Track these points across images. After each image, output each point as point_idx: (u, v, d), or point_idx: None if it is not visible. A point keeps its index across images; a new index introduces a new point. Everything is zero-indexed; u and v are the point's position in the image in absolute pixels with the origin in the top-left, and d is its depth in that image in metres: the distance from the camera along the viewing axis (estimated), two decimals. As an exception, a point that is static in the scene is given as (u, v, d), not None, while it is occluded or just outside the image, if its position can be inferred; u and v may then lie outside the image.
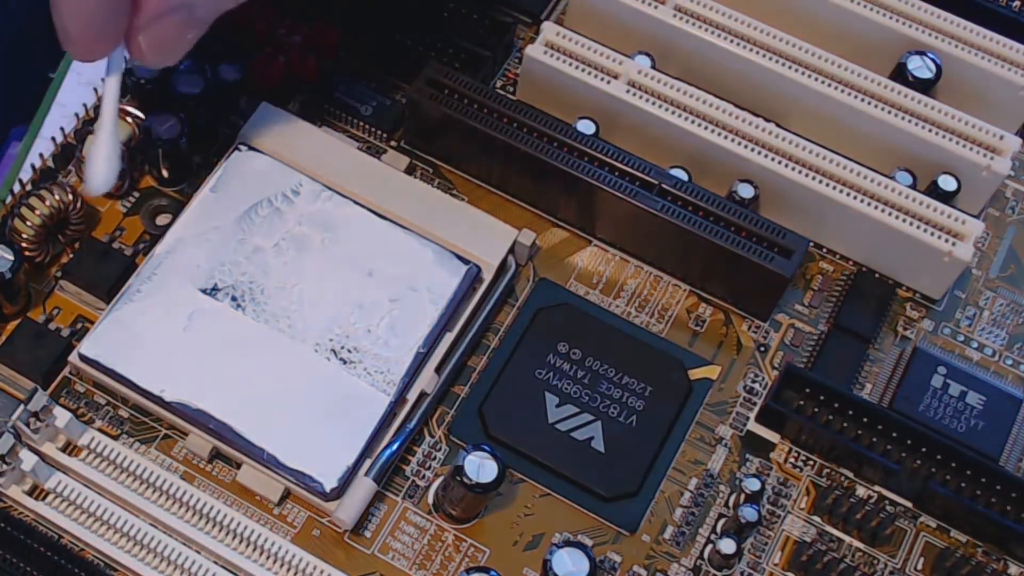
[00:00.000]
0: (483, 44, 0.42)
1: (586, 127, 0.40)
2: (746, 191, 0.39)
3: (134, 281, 0.36)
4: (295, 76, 0.41)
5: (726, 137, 0.39)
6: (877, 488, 0.37)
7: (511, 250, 0.38)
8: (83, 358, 0.35)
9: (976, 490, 0.36)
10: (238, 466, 0.35)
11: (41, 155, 0.40)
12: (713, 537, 0.36)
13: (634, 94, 0.39)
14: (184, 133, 0.38)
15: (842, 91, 0.40)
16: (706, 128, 0.39)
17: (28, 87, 0.46)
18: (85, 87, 0.44)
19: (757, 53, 0.40)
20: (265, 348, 0.35)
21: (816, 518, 0.37)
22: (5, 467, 0.33)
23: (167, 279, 0.36)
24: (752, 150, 0.39)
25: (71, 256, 0.38)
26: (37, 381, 0.36)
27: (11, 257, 0.36)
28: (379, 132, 0.41)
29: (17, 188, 0.39)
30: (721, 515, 0.36)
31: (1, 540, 0.33)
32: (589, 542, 0.35)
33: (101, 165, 0.33)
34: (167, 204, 0.40)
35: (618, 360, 0.38)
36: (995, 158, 0.39)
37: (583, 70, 0.40)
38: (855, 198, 0.38)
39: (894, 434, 0.36)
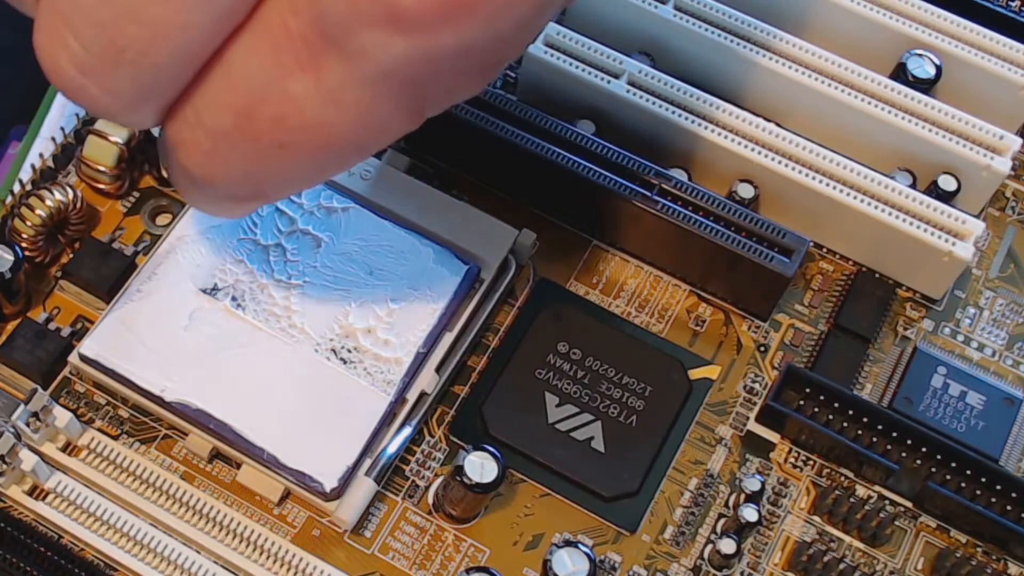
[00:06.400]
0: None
1: (586, 127, 0.40)
2: (746, 191, 0.39)
3: (134, 281, 0.36)
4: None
5: (726, 137, 0.39)
6: (877, 488, 0.37)
7: (511, 250, 0.38)
8: (83, 358, 0.35)
9: (976, 490, 0.36)
10: (238, 466, 0.35)
11: (41, 155, 0.39)
12: (713, 537, 0.36)
13: (634, 94, 0.39)
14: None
15: (842, 91, 0.40)
16: (706, 128, 0.39)
17: (28, 87, 0.46)
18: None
19: (757, 53, 0.40)
20: (265, 348, 0.35)
21: (816, 518, 0.37)
22: (5, 467, 0.33)
23: (167, 279, 0.36)
24: (752, 150, 0.39)
25: (71, 256, 0.38)
26: (37, 381, 0.36)
27: (11, 257, 0.36)
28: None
29: (17, 188, 0.39)
30: (721, 515, 0.36)
31: (1, 540, 0.33)
32: (589, 542, 0.35)
33: None
34: (167, 204, 0.40)
35: (618, 360, 0.38)
36: (995, 158, 0.39)
37: (583, 70, 0.40)
38: (855, 198, 0.38)
39: (894, 434, 0.36)
